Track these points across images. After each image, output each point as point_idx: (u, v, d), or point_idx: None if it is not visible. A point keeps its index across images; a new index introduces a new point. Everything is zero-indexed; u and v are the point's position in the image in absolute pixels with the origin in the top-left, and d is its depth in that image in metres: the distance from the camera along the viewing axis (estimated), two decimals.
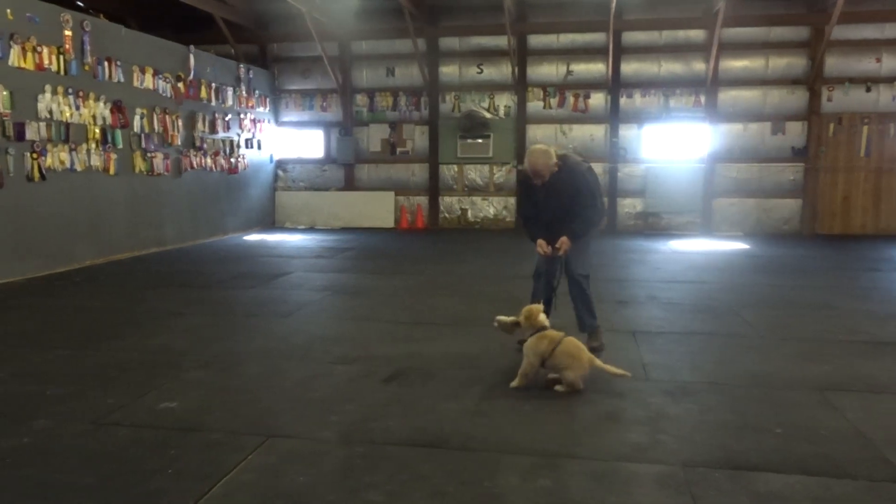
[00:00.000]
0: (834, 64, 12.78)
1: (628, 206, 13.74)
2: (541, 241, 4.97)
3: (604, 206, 5.30)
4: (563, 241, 4.87)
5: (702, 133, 13.33)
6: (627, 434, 3.59)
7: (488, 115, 13.99)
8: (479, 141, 13.97)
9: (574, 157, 5.01)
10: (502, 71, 13.85)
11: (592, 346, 4.98)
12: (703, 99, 13.22)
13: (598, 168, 13.52)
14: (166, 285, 7.92)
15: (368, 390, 4.26)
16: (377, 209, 14.50)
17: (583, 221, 4.89)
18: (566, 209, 4.85)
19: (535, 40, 13.78)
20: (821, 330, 5.82)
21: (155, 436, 3.54)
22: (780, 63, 13.02)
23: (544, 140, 13.83)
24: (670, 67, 13.38)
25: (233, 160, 12.98)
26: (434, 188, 14.38)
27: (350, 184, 14.69)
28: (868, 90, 12.74)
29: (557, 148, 4.95)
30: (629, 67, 13.45)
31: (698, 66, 13.21)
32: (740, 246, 11.59)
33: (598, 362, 4.21)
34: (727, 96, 13.22)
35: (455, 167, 14.29)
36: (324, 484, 3.03)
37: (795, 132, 13.07)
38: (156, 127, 10.62)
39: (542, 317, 4.40)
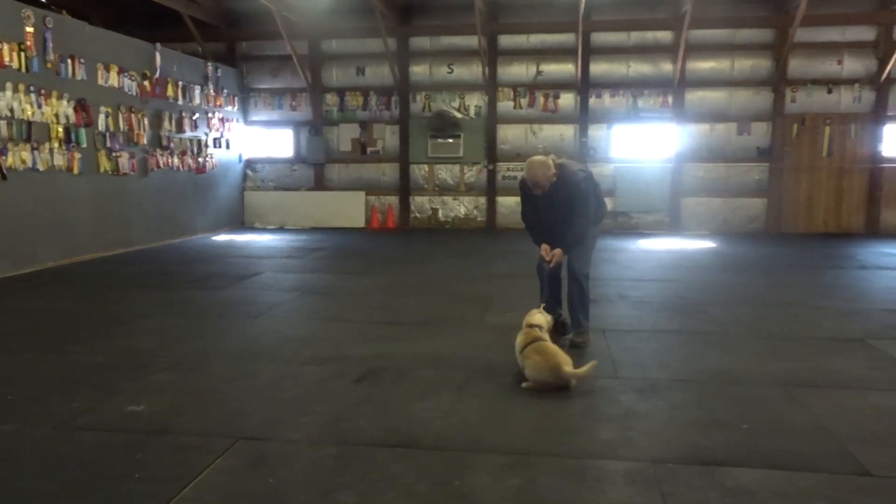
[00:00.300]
0: (797, 66, 13.05)
1: None
2: (545, 246, 5.07)
3: (604, 207, 5.38)
4: (556, 255, 4.98)
5: (670, 133, 13.51)
6: (598, 431, 3.62)
7: (459, 115, 14.00)
8: (450, 141, 13.98)
9: (571, 167, 5.06)
10: (473, 71, 13.88)
11: (576, 341, 5.03)
12: (670, 99, 13.40)
13: None
14: (133, 286, 7.78)
15: (339, 391, 4.24)
16: (348, 209, 14.44)
17: (575, 232, 4.96)
18: (564, 217, 4.94)
19: (506, 40, 13.84)
20: (786, 327, 5.93)
21: (122, 440, 3.48)
22: (745, 65, 13.25)
23: (514, 140, 13.92)
24: (639, 68, 13.53)
25: (201, 160, 12.81)
26: (405, 188, 14.36)
27: (320, 183, 14.60)
28: (830, 92, 13.03)
29: (555, 157, 5.03)
30: (598, 68, 13.57)
31: (666, 67, 13.39)
32: (707, 244, 11.77)
33: (567, 371, 4.15)
34: (694, 97, 13.41)
35: (426, 167, 14.29)
36: (295, 485, 3.00)
37: (760, 132, 13.31)
38: (121, 126, 10.44)
39: (538, 317, 4.55)
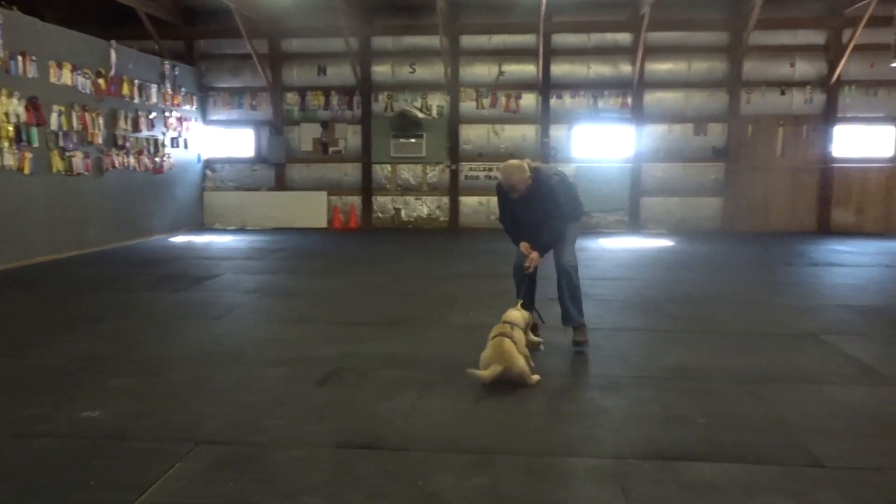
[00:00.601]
0: (752, 68, 13.36)
1: None
2: (524, 244, 5.14)
3: (582, 207, 5.47)
4: (533, 258, 5.03)
5: (629, 133, 13.71)
6: (560, 429, 3.66)
7: (421, 115, 14.00)
8: (412, 140, 13.97)
9: (546, 170, 5.18)
10: (435, 71, 13.88)
11: (577, 340, 5.05)
12: (629, 100, 13.60)
13: None
14: (89, 289, 7.60)
15: (302, 393, 4.20)
16: (309, 209, 14.32)
17: (550, 234, 5.03)
18: (540, 219, 5.03)
19: (468, 41, 13.88)
20: (742, 323, 6.07)
21: (78, 446, 3.40)
22: (701, 67, 13.52)
23: (476, 140, 13.98)
24: (599, 69, 13.70)
25: (158, 159, 12.56)
26: (367, 188, 14.30)
27: (281, 184, 14.45)
28: (783, 93, 13.38)
29: (530, 161, 5.12)
30: (559, 69, 13.70)
31: (625, 69, 13.58)
32: (666, 243, 11.97)
33: (518, 369, 4.22)
34: (653, 98, 13.63)
35: (388, 167, 14.25)
36: (257, 490, 2.97)
37: (717, 133, 13.60)
38: (75, 125, 10.18)
39: (514, 314, 4.63)
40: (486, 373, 4.19)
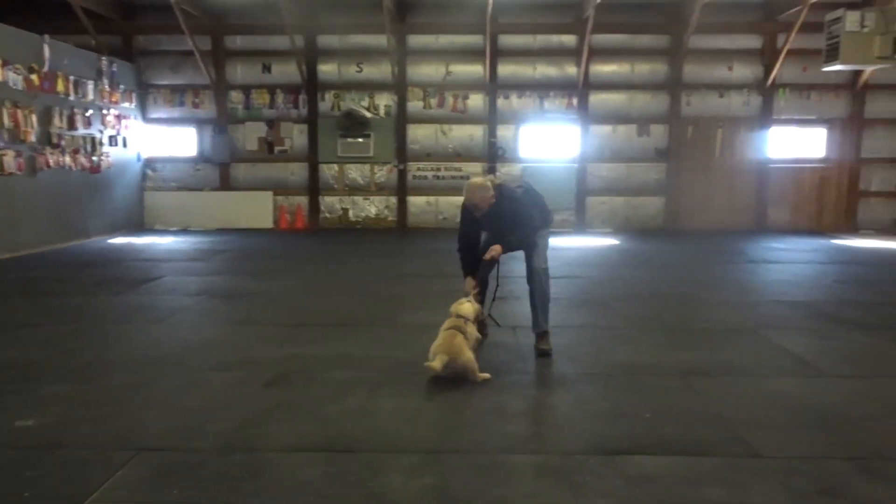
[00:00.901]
0: (692, 71, 13.71)
1: None
2: (469, 280, 5.19)
3: (550, 213, 5.59)
4: (496, 250, 5.06)
5: (575, 134, 13.91)
6: (508, 426, 3.68)
7: (368, 115, 13.91)
8: (360, 140, 13.87)
9: (509, 184, 5.27)
10: (382, 70, 13.81)
11: (544, 349, 5.05)
12: (575, 101, 13.79)
13: (477, 168, 13.88)
14: (21, 294, 7.29)
15: (248, 396, 4.13)
16: (255, 209, 14.07)
17: (518, 237, 5.14)
18: (509, 230, 5.11)
19: (415, 40, 13.86)
20: (683, 319, 6.23)
21: (10, 457, 3.26)
22: (644, 69, 13.81)
23: (424, 140, 13.97)
24: (545, 70, 13.86)
25: (95, 158, 12.15)
26: (314, 188, 14.13)
27: (226, 183, 14.15)
28: (721, 96, 13.77)
29: (493, 178, 5.23)
30: (506, 69, 13.81)
31: (570, 70, 13.77)
32: (611, 242, 12.20)
33: (463, 362, 4.31)
34: (597, 99, 13.86)
35: (335, 166, 14.11)
36: (201, 496, 2.90)
37: (659, 134, 13.91)
38: (6, 122, 9.75)
39: (467, 306, 4.72)
40: (434, 363, 4.23)
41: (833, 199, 13.95)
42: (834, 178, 13.89)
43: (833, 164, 13.86)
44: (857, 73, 13.31)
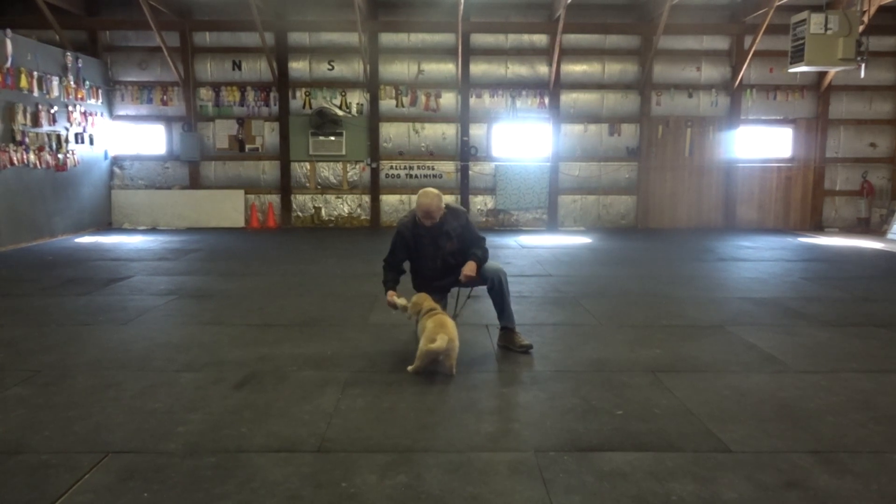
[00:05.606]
0: (661, 71, 13.88)
1: (479, 203, 14.15)
2: (391, 293, 5.05)
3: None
4: (470, 266, 4.98)
5: (547, 133, 13.99)
6: (481, 424, 3.68)
7: (340, 113, 13.83)
8: (332, 138, 13.78)
9: (453, 205, 5.25)
10: (354, 68, 13.75)
11: (524, 344, 5.03)
12: (546, 100, 13.87)
13: (450, 166, 13.90)
14: None
15: (218, 397, 4.07)
16: (225, 208, 13.91)
17: (483, 251, 5.12)
18: (459, 248, 5.09)
19: (387, 39, 13.81)
20: (652, 316, 6.30)
21: None
22: (615, 69, 13.94)
23: (397, 138, 13.94)
24: (516, 70, 13.91)
25: (61, 156, 11.91)
26: (286, 186, 14.01)
27: (195, 182, 13.97)
28: (690, 96, 13.97)
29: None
30: (478, 68, 13.83)
31: (542, 70, 13.84)
32: (583, 240, 12.28)
33: (457, 343, 4.42)
34: (569, 98, 13.95)
35: (307, 165, 14.01)
36: (170, 498, 2.85)
37: (629, 133, 14.06)
38: None
39: (429, 302, 4.73)
40: (437, 343, 4.24)
41: (799, 198, 14.23)
42: (800, 177, 14.17)
43: (799, 164, 14.14)
44: (822, 75, 13.60)
